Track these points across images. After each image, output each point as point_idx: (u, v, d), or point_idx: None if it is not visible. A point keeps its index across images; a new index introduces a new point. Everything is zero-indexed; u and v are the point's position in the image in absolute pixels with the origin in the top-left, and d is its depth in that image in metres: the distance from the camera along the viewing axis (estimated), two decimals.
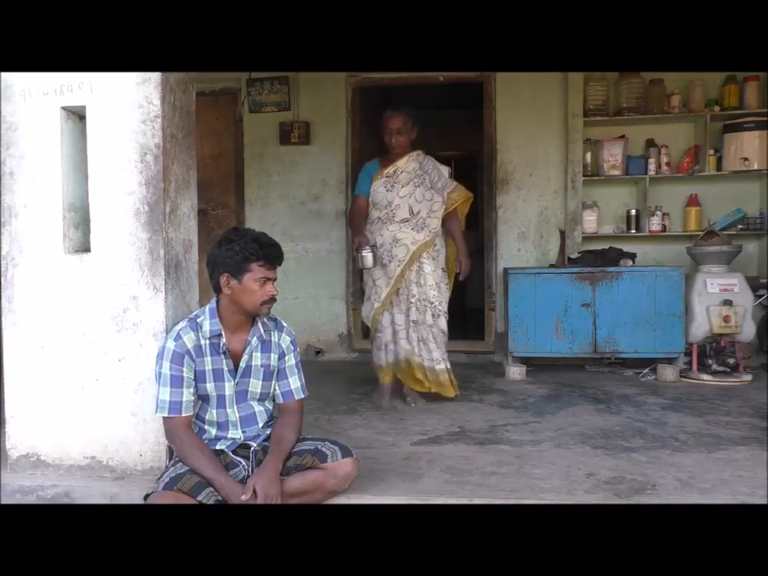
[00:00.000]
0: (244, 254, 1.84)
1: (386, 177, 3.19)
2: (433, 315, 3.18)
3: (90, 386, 2.16)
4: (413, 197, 3.16)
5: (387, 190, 3.17)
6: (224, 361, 1.91)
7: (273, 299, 1.91)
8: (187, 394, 1.87)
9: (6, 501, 2.06)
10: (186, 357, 1.86)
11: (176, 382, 1.85)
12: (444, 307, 3.21)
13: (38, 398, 2.19)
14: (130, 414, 2.14)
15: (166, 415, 1.86)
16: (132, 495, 2.01)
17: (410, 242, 3.12)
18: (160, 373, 1.87)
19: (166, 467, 1.91)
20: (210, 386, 1.90)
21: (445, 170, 3.28)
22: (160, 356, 1.88)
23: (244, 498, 1.73)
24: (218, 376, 1.91)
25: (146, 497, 1.76)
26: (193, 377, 1.88)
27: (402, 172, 3.18)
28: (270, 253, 1.88)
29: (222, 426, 1.94)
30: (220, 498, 1.80)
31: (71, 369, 2.16)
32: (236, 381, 1.93)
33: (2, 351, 2.23)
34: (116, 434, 2.16)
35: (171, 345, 1.87)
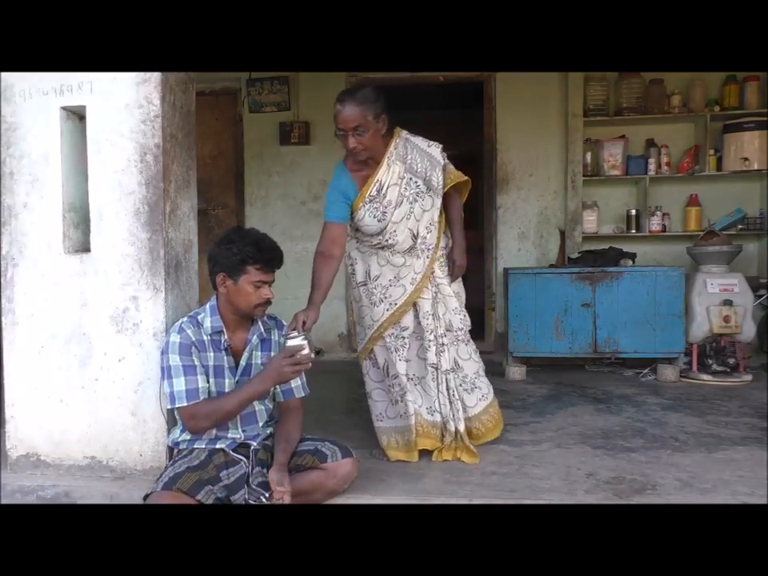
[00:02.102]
0: (241, 255, 1.84)
1: (371, 201, 2.32)
2: (465, 342, 2.48)
3: (89, 385, 2.16)
4: (411, 217, 2.35)
5: (379, 220, 2.33)
6: (225, 358, 1.92)
7: (267, 302, 1.91)
8: (202, 381, 1.85)
9: (5, 501, 2.06)
10: (193, 347, 1.87)
11: (189, 370, 1.84)
12: (468, 323, 2.51)
13: (38, 397, 2.19)
14: (130, 414, 2.14)
15: (185, 404, 1.82)
16: (132, 495, 2.01)
17: (409, 281, 2.38)
18: (169, 366, 1.84)
19: (166, 467, 1.91)
20: (211, 382, 1.90)
21: (435, 150, 2.40)
22: (165, 351, 1.87)
23: (283, 489, 1.76)
24: (218, 372, 1.91)
25: (146, 497, 1.76)
26: (202, 367, 1.88)
27: (387, 187, 2.31)
28: (267, 257, 1.87)
29: (222, 424, 1.94)
30: (219, 497, 1.81)
31: (71, 369, 2.16)
32: (236, 379, 1.93)
33: (2, 351, 2.23)
34: (116, 434, 2.16)
35: (176, 338, 1.86)
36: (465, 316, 2.48)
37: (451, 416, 2.40)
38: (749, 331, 3.85)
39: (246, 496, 1.84)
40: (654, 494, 2.02)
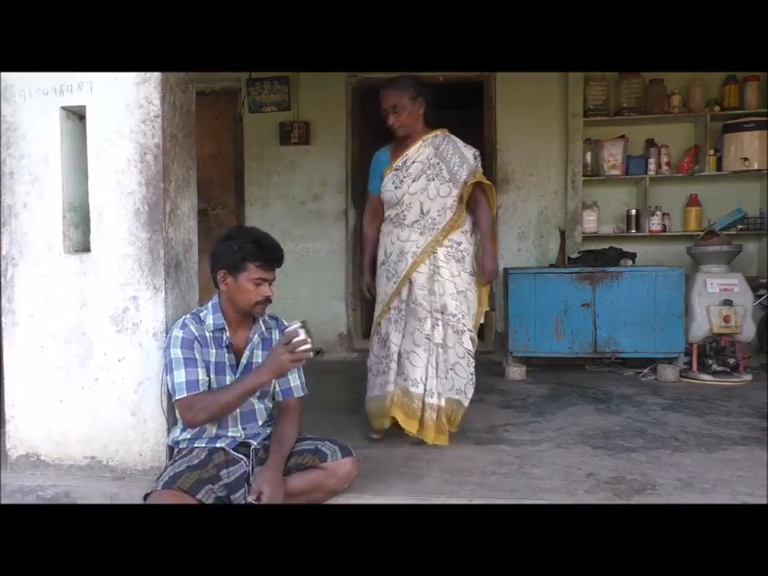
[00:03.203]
0: (242, 253, 1.85)
1: (395, 170, 2.62)
2: (455, 332, 2.54)
3: (90, 385, 2.16)
4: (425, 193, 2.57)
5: (396, 187, 2.60)
6: (226, 355, 1.93)
7: (267, 300, 1.92)
8: (202, 374, 1.86)
9: (5, 501, 2.06)
10: (196, 342, 1.88)
11: (190, 363, 1.85)
12: (469, 322, 2.57)
13: (38, 397, 2.18)
14: (130, 414, 2.14)
15: (185, 395, 1.83)
16: (132, 495, 2.01)
17: (410, 255, 2.58)
18: (171, 360, 1.86)
19: (166, 466, 1.91)
20: (212, 378, 1.90)
21: (469, 152, 2.62)
22: (168, 346, 1.89)
23: (251, 498, 1.75)
24: (219, 369, 1.91)
25: (146, 496, 1.76)
26: (203, 361, 1.88)
27: (413, 162, 2.60)
28: (268, 255, 1.88)
29: (222, 421, 1.94)
30: (220, 496, 1.81)
31: (71, 368, 2.16)
32: (236, 376, 1.94)
33: (2, 351, 2.23)
34: (116, 434, 2.15)
35: (179, 333, 1.88)
36: (460, 304, 2.56)
37: (434, 388, 2.52)
38: (749, 331, 3.85)
39: (246, 495, 1.83)
40: (653, 494, 2.02)
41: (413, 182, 2.58)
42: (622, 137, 4.67)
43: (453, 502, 1.96)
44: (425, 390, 2.52)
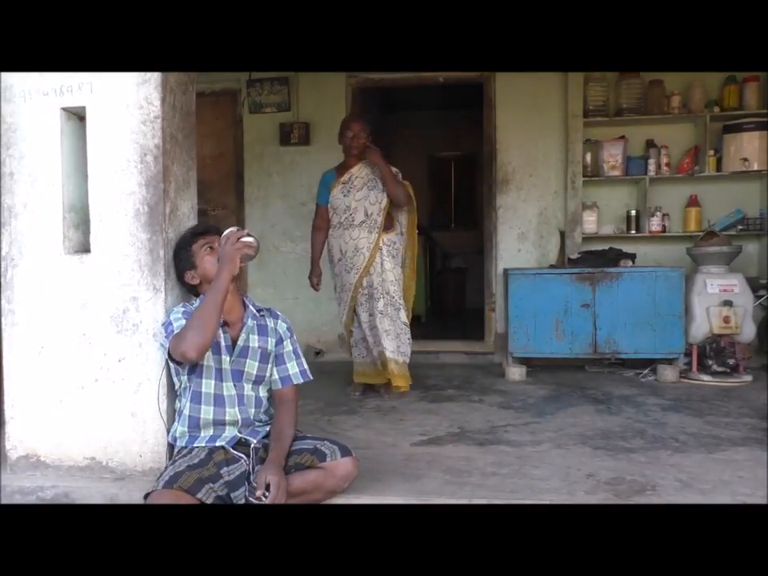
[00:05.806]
0: (182, 246, 2.07)
1: (342, 184, 3.50)
2: (394, 308, 3.47)
3: (89, 386, 2.16)
4: (367, 200, 3.46)
5: (344, 195, 3.47)
6: (222, 335, 1.94)
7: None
8: None
9: (5, 502, 2.05)
10: None
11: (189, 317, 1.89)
12: (403, 301, 3.53)
13: (38, 398, 2.18)
14: (130, 415, 2.14)
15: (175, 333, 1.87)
16: (132, 496, 2.01)
17: (365, 250, 3.42)
18: (171, 320, 1.92)
19: (166, 466, 1.91)
20: (207, 355, 1.90)
21: (393, 169, 3.53)
22: (168, 314, 1.98)
23: (259, 493, 1.75)
24: (215, 348, 1.92)
25: (146, 496, 1.75)
26: None
27: (356, 178, 3.49)
28: (197, 228, 2.13)
29: (218, 400, 1.93)
30: (220, 495, 1.81)
31: (71, 369, 2.16)
32: (232, 358, 1.95)
33: (1, 352, 2.23)
34: (116, 435, 2.15)
35: (180, 308, 1.97)
36: (397, 289, 3.48)
37: (388, 348, 3.39)
38: (749, 332, 3.85)
39: (247, 494, 1.84)
40: (653, 494, 2.02)
41: (357, 191, 3.48)
42: (622, 137, 4.67)
43: (453, 503, 1.96)
44: (381, 348, 3.41)
